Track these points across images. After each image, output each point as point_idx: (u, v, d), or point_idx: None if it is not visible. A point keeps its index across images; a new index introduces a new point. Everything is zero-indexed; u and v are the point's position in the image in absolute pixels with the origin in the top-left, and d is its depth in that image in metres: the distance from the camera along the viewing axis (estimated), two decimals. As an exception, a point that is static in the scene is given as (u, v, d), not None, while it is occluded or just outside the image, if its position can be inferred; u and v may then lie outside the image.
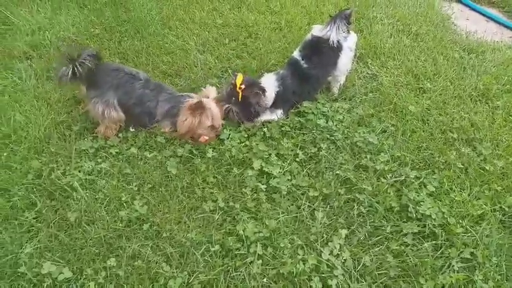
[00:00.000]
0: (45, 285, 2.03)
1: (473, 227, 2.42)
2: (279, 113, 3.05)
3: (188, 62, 3.54)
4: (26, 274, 2.06)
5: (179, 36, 3.84)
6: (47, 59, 3.47)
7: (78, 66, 2.58)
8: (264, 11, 4.28)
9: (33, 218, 2.33)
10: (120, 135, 2.85)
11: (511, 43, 4.27)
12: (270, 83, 2.98)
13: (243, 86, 2.81)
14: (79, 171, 2.57)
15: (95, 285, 2.04)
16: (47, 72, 3.33)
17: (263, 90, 2.88)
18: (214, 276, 2.12)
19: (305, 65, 3.05)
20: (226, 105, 2.89)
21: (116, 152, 2.72)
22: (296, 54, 3.13)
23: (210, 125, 2.79)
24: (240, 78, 2.82)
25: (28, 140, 2.74)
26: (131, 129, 2.87)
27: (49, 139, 2.77)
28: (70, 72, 2.58)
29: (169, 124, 2.83)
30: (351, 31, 3.18)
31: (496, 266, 2.25)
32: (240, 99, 2.83)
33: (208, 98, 2.83)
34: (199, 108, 2.72)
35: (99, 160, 2.67)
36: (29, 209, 2.38)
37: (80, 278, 2.08)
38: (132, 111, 2.81)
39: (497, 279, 2.19)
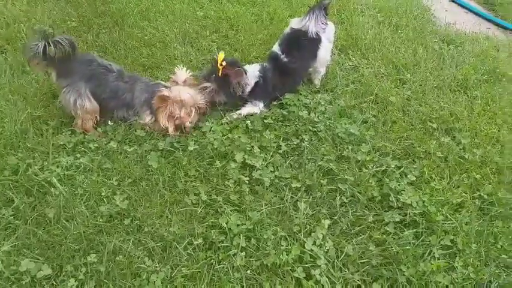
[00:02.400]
0: (24, 283, 1.98)
1: (453, 214, 2.46)
2: (261, 106, 3.04)
3: (168, 55, 3.49)
4: (4, 272, 2.01)
5: (159, 28, 3.78)
6: (22, 53, 3.37)
7: (51, 44, 2.48)
8: (245, 2, 4.25)
9: (11, 215, 2.26)
10: (99, 129, 2.79)
11: (488, 34, 4.35)
12: (252, 72, 2.97)
13: (224, 63, 2.79)
14: (57, 167, 2.51)
15: (75, 281, 2.00)
16: (22, 66, 3.24)
17: (244, 71, 2.89)
18: (198, 270, 2.10)
19: (285, 59, 3.04)
20: (206, 85, 2.86)
21: (95, 147, 2.67)
22: (276, 48, 3.12)
23: (183, 107, 2.73)
24: (221, 55, 2.80)
25: (4, 136, 2.66)
26: (109, 123, 2.81)
27: (25, 134, 2.70)
28: (41, 49, 2.49)
29: (149, 114, 2.78)
30: (328, 22, 3.18)
31: (476, 253, 2.29)
32: (220, 76, 2.81)
33: (177, 83, 2.78)
34: (163, 101, 2.69)
35: (78, 155, 2.61)
36: (5, 206, 2.31)
37: (60, 275, 2.03)
38: (106, 104, 2.75)
39: (477, 265, 2.23)
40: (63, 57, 2.56)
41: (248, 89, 2.98)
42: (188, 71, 2.88)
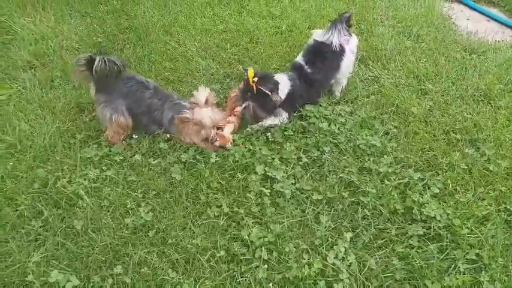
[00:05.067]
0: (53, 294, 2.05)
1: (478, 228, 2.42)
2: (285, 117, 3.06)
3: (190, 68, 3.57)
4: (34, 283, 2.08)
5: (181, 42, 3.86)
6: (50, 68, 3.50)
7: (106, 62, 2.58)
8: (265, 15, 4.30)
9: (40, 227, 2.35)
10: (123, 142, 2.87)
11: (513, 42, 4.27)
12: (283, 81, 2.98)
13: (255, 79, 2.82)
14: (84, 179, 2.59)
15: (102, 292, 2.05)
16: (50, 81, 3.37)
17: (276, 82, 2.91)
18: (220, 282, 2.13)
19: (309, 70, 3.07)
20: (244, 104, 2.89)
21: (121, 159, 2.74)
22: (300, 59, 3.15)
23: (202, 129, 2.80)
24: (251, 72, 2.82)
25: (33, 149, 2.77)
26: (134, 136, 2.89)
27: (54, 148, 2.80)
28: (86, 59, 2.60)
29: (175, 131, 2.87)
30: (352, 34, 3.20)
31: (503, 267, 2.24)
32: (255, 92, 2.82)
33: (198, 103, 2.84)
34: (182, 122, 2.77)
35: (104, 168, 2.69)
36: (35, 217, 2.40)
37: (87, 286, 2.10)
38: (140, 119, 2.85)
39: (504, 280, 2.19)
40: (109, 76, 2.65)
41: (283, 97, 2.98)
42: (208, 89, 2.93)
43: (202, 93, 2.87)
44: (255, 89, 2.81)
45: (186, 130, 2.80)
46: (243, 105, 2.90)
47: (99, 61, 2.57)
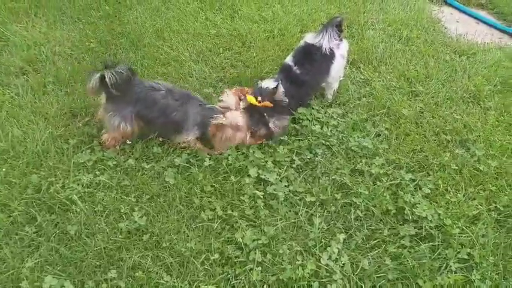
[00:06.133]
0: (47, 299, 2.04)
1: (469, 227, 2.45)
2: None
3: (183, 73, 3.58)
4: (28, 288, 2.08)
5: (173, 47, 3.88)
6: (43, 74, 3.50)
7: (115, 75, 2.57)
8: (257, 20, 4.33)
9: (34, 233, 2.34)
10: (117, 147, 2.87)
11: (501, 44, 4.34)
12: (272, 85, 2.98)
13: (259, 98, 2.84)
14: (78, 184, 2.58)
15: (96, 297, 2.05)
16: (43, 87, 3.36)
17: (277, 87, 2.91)
18: (215, 285, 2.14)
19: (298, 71, 3.09)
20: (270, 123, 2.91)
21: (114, 164, 2.74)
22: (289, 60, 3.17)
23: (238, 131, 2.81)
24: (250, 98, 2.82)
25: (26, 155, 2.76)
26: (128, 142, 2.89)
27: (47, 153, 2.79)
28: (98, 78, 2.58)
29: (195, 134, 2.83)
30: (343, 39, 3.23)
31: (493, 266, 2.28)
32: (273, 107, 2.85)
33: (229, 108, 2.83)
34: (219, 129, 2.76)
35: (98, 173, 2.68)
36: (29, 223, 2.39)
37: (82, 291, 2.10)
38: (154, 122, 2.81)
39: (495, 279, 2.22)
40: (122, 85, 2.64)
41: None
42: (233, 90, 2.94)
43: (232, 97, 2.85)
44: (268, 104, 2.83)
45: (221, 136, 2.78)
46: (263, 123, 2.90)
47: (109, 77, 2.57)
